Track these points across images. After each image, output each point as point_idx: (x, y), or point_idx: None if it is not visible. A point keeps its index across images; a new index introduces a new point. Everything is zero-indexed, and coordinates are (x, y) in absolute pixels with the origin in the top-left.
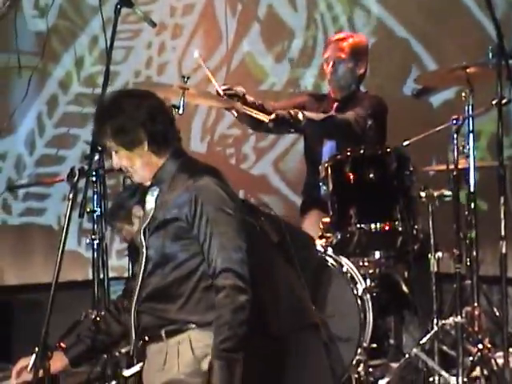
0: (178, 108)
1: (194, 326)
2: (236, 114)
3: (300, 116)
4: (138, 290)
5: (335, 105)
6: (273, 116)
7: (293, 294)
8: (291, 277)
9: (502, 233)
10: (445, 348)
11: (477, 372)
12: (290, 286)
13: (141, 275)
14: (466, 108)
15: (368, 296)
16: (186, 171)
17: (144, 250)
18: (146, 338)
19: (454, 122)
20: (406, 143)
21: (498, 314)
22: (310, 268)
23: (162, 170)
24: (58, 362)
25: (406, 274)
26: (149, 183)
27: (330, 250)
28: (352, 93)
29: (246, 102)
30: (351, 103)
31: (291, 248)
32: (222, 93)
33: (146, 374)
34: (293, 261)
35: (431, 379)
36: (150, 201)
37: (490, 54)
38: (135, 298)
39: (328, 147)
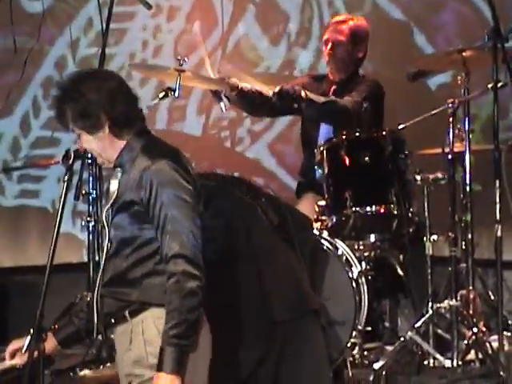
0: (174, 91)
1: (155, 305)
2: (228, 103)
3: (303, 94)
4: (100, 272)
5: (333, 87)
6: (277, 89)
7: (294, 280)
8: (292, 260)
9: (497, 216)
10: (440, 331)
11: (471, 355)
12: (291, 270)
13: (103, 258)
14: (462, 91)
15: (363, 279)
16: (146, 152)
17: (107, 232)
18: (112, 320)
19: (450, 105)
20: (401, 126)
21: (492, 297)
22: (307, 250)
23: (124, 152)
24: (49, 343)
25: (401, 257)
26: (112, 165)
27: (325, 233)
28: (350, 76)
29: (242, 91)
30: (349, 86)
31: (292, 230)
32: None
33: (116, 359)
34: (293, 243)
35: (426, 362)
36: (114, 183)
37: (486, 37)
38: (98, 281)
39: (324, 130)
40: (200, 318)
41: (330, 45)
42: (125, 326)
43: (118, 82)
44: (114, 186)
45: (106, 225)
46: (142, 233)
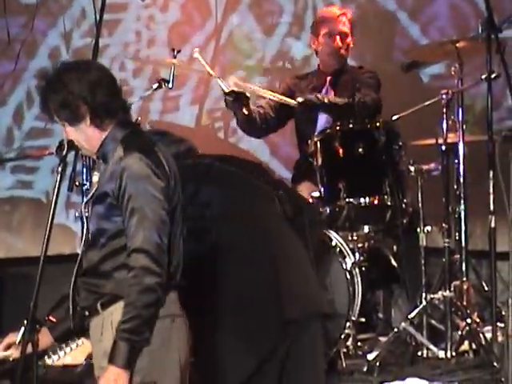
0: (168, 82)
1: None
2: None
3: (326, 100)
4: (77, 264)
5: (328, 78)
6: (301, 99)
7: (306, 279)
8: (304, 257)
9: (491, 207)
10: (433, 322)
11: (465, 346)
12: (304, 268)
13: (81, 249)
14: (456, 82)
15: (357, 270)
16: (124, 144)
17: (85, 224)
18: (86, 313)
19: (444, 96)
20: (395, 117)
21: (486, 288)
22: (315, 245)
23: (106, 142)
24: (46, 339)
25: (394, 248)
26: (95, 157)
27: None
28: (343, 66)
29: (249, 107)
30: (343, 76)
31: (306, 224)
32: (227, 91)
33: (92, 350)
34: (306, 238)
35: (420, 353)
36: (96, 174)
37: (480, 28)
38: (74, 272)
39: (321, 126)
40: (155, 315)
41: (338, 37)
42: (97, 319)
43: (101, 73)
44: (95, 177)
45: (84, 216)
46: (113, 225)
